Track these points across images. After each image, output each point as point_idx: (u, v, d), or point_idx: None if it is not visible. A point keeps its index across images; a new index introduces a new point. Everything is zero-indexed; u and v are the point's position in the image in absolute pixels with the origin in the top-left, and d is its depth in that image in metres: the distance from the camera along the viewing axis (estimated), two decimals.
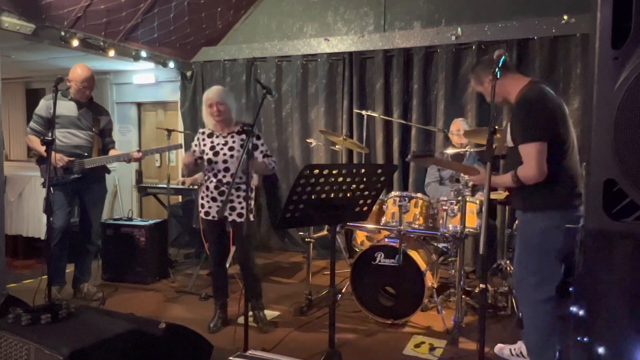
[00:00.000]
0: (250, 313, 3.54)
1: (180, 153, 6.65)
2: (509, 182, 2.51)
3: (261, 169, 3.46)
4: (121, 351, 2.34)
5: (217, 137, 3.47)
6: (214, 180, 3.44)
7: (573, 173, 2.51)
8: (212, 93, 3.44)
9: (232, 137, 3.46)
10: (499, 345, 3.13)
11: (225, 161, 3.40)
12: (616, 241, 1.97)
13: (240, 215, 3.42)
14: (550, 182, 2.44)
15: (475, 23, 5.02)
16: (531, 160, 2.40)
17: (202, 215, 3.52)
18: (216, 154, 3.42)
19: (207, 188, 3.48)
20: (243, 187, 3.41)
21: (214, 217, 3.43)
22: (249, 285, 3.51)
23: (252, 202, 3.50)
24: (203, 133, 3.52)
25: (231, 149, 3.42)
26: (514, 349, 3.04)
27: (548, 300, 2.55)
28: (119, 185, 7.06)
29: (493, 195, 3.66)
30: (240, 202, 3.41)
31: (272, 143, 5.99)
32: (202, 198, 3.52)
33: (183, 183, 5.04)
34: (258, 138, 3.49)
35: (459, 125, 4.52)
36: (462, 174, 3.46)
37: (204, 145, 3.48)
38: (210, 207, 3.46)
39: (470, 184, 3.46)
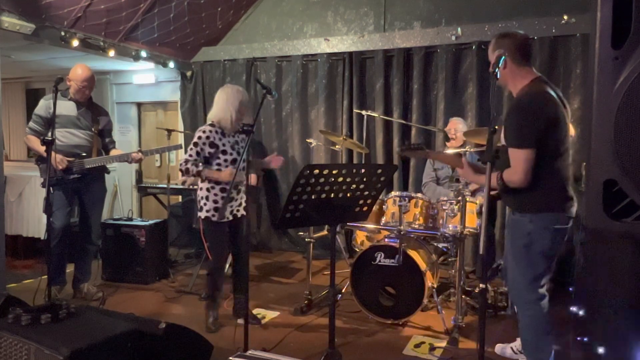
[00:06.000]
0: (232, 305, 3.68)
1: (180, 153, 6.65)
2: (494, 183, 2.50)
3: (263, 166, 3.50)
4: (121, 351, 2.34)
5: (228, 136, 3.47)
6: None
7: (564, 176, 2.49)
8: (246, 96, 3.46)
9: (241, 136, 3.49)
10: (499, 344, 3.13)
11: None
12: (616, 241, 1.97)
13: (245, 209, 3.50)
14: (541, 185, 2.43)
15: (475, 23, 5.02)
16: (518, 166, 2.39)
17: (212, 217, 3.43)
18: (237, 153, 3.46)
19: (223, 190, 3.41)
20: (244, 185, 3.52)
21: (227, 218, 3.45)
22: (243, 279, 3.53)
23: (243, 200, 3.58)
24: (217, 132, 3.41)
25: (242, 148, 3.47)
26: (515, 347, 3.05)
27: (539, 300, 2.56)
28: (119, 185, 7.06)
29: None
30: (242, 197, 3.51)
31: (272, 143, 6.00)
32: (212, 200, 3.45)
33: (183, 183, 5.04)
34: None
35: (455, 125, 4.50)
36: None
37: (224, 145, 3.42)
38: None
39: (471, 187, 3.46)
